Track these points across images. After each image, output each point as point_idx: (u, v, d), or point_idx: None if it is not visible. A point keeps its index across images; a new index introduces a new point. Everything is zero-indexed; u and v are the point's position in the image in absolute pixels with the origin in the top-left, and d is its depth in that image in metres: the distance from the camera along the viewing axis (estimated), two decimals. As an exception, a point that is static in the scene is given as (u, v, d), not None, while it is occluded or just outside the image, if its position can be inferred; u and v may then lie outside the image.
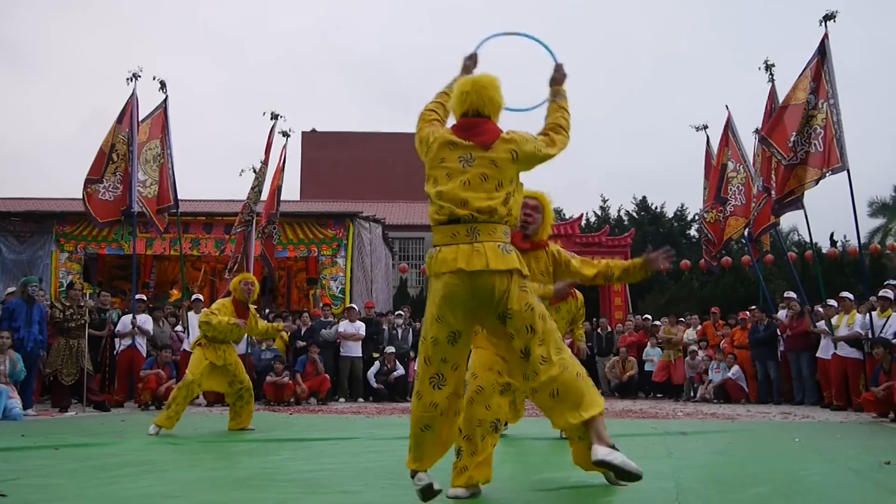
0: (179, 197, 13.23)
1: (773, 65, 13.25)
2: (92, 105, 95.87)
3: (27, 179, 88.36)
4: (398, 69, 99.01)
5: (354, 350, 13.66)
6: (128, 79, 12.66)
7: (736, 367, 13.08)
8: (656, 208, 31.51)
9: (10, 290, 13.07)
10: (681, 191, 75.67)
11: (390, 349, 13.81)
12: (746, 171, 13.92)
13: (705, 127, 15.40)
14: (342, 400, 13.31)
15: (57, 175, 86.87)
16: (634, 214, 31.38)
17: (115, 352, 12.21)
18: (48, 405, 11.03)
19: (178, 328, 13.20)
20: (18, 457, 5.95)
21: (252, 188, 13.35)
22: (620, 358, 14.94)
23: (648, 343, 15.16)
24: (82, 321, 10.81)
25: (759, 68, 13.31)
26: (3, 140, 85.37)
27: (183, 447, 6.80)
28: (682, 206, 32.02)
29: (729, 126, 14.40)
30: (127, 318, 12.25)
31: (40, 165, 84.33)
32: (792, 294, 13.57)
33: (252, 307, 8.23)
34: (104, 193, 12.38)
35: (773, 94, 13.10)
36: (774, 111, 12.34)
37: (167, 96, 13.11)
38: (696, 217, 28.08)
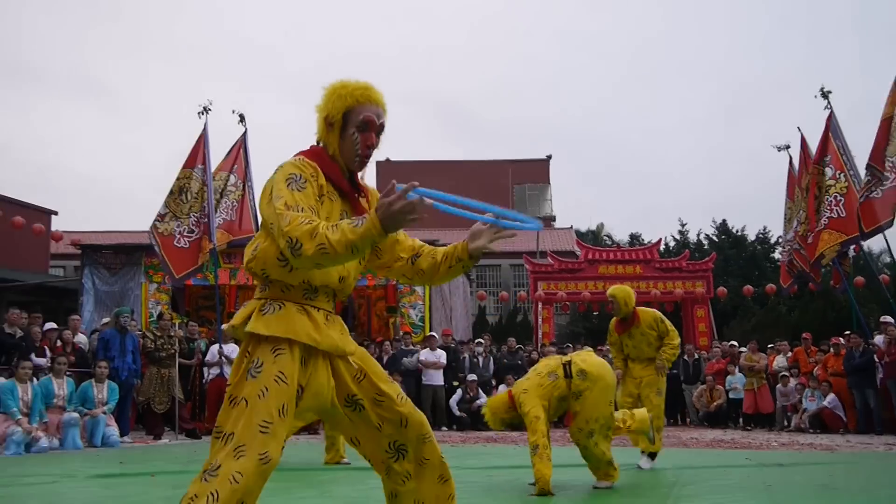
0: (260, 228, 13.47)
1: (829, 92, 13.39)
2: (176, 140, 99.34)
3: (116, 213, 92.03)
4: (470, 99, 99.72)
5: (436, 378, 13.66)
6: (199, 112, 12.71)
7: (832, 396, 12.56)
8: (737, 231, 30.73)
9: (104, 321, 13.55)
10: (762, 213, 73.93)
11: (472, 377, 13.76)
12: (849, 180, 13.07)
13: (787, 147, 15.07)
14: (424, 428, 13.27)
15: (144, 208, 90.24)
16: (714, 238, 30.67)
17: (203, 380, 12.48)
18: (142, 433, 11.34)
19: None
20: (118, 483, 6.13)
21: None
22: (707, 386, 14.53)
23: (732, 370, 14.71)
24: (172, 350, 11.11)
25: (816, 96, 13.37)
26: (92, 176, 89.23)
27: (273, 475, 6.85)
28: (765, 228, 31.10)
29: (806, 146, 14.21)
30: (215, 348, 12.51)
31: (129, 200, 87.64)
32: (889, 318, 12.98)
33: None
34: (179, 240, 12.46)
35: (829, 121, 13.20)
36: (834, 135, 12.67)
37: (246, 129, 13.26)
38: (779, 240, 27.38)
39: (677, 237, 31.55)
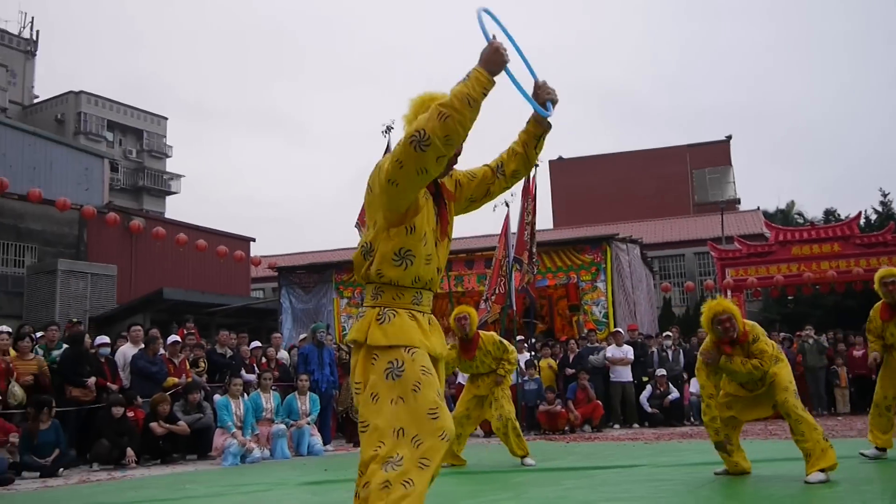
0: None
1: None
2: (357, 164, 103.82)
3: (306, 235, 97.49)
4: (640, 88, 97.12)
5: (624, 375, 13.41)
6: (383, 131, 13.21)
7: None
8: (951, 196, 27.95)
9: (302, 336, 14.38)
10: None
11: (661, 372, 13.39)
12: None
13: None
14: (616, 426, 13.08)
15: (331, 229, 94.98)
16: (924, 205, 28.07)
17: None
18: (343, 440, 11.92)
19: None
20: (326, 489, 6.49)
21: (528, 223, 13.42)
22: (875, 356, 13.30)
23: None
24: (366, 361, 11.58)
25: None
26: (280, 203, 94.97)
27: (466, 477, 7.01)
28: None
29: None
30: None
31: (316, 222, 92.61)
32: None
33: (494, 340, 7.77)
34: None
35: None
36: None
37: (389, 141, 13.40)
38: None
39: (879, 209, 29.11)
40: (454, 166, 3.05)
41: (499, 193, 3.22)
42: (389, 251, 2.85)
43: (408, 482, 2.60)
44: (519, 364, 13.03)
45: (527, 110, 3.07)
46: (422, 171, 2.68)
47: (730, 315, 5.59)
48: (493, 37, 2.78)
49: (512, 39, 2.99)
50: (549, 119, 3.07)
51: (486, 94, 2.67)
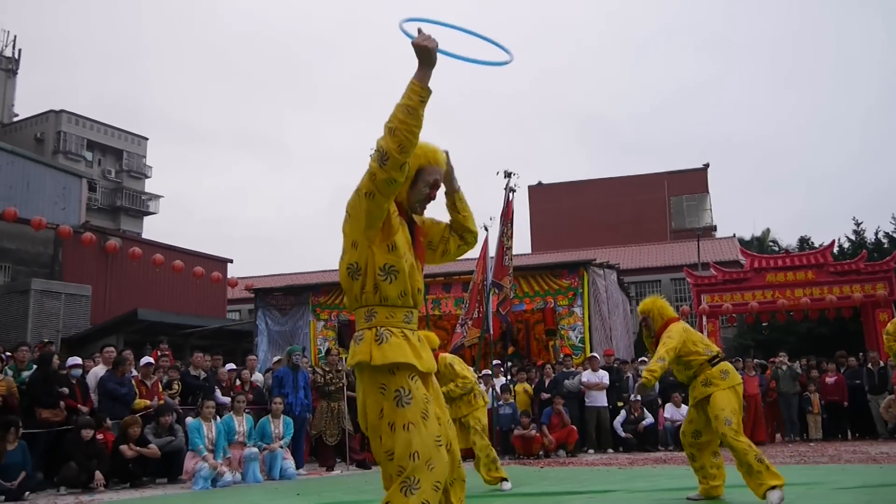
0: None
1: None
2: (336, 184, 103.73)
3: (284, 257, 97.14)
4: (620, 116, 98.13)
5: (599, 400, 13.44)
6: (370, 154, 13.36)
7: None
8: (921, 226, 28.33)
9: (276, 359, 14.29)
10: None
11: (636, 397, 13.43)
12: None
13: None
14: (591, 451, 13.08)
15: (309, 251, 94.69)
16: (895, 235, 28.44)
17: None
18: (316, 465, 11.82)
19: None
20: (296, 514, 6.42)
21: (507, 247, 13.49)
22: (896, 396, 13.44)
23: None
24: (341, 384, 11.54)
25: None
26: (261, 225, 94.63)
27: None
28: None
29: None
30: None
31: (294, 244, 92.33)
32: None
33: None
34: None
35: None
36: None
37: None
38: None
39: (852, 238, 29.50)
40: (428, 203, 3.34)
41: (455, 253, 3.50)
42: (377, 266, 3.09)
43: (426, 502, 2.91)
44: (494, 388, 13.06)
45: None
46: (390, 181, 2.98)
47: (644, 315, 6.05)
48: (418, 31, 2.98)
49: (439, 22, 3.18)
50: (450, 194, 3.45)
51: (423, 101, 2.96)
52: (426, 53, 2.96)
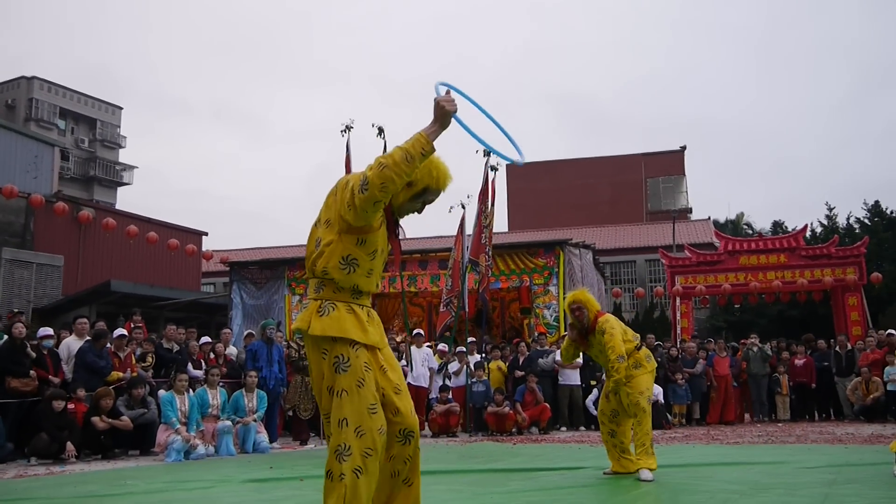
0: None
1: None
2: (315, 163, 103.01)
3: (260, 231, 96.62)
4: (599, 95, 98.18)
5: (572, 378, 13.55)
6: (342, 131, 13.18)
7: None
8: (892, 213, 28.73)
9: (246, 332, 14.21)
10: (920, 191, 68.83)
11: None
12: None
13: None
14: (563, 429, 13.21)
15: (285, 225, 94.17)
16: (867, 221, 28.82)
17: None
18: (289, 438, 11.85)
19: (402, 363, 13.70)
20: (269, 487, 6.44)
21: (485, 226, 13.49)
22: (863, 378, 13.68)
23: (891, 360, 13.75)
24: (316, 359, 11.52)
25: None
26: (238, 198, 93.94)
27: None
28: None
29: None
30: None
31: (271, 218, 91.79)
32: None
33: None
34: None
35: None
36: None
37: (386, 143, 13.31)
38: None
39: (825, 223, 29.88)
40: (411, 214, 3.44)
41: None
42: (338, 254, 3.17)
43: (358, 469, 3.02)
44: (469, 365, 13.14)
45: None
46: (363, 211, 3.05)
47: (580, 304, 6.28)
48: (447, 93, 3.15)
49: (471, 100, 3.36)
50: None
51: (424, 155, 3.04)
52: (443, 113, 3.07)
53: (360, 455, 3.03)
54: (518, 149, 3.37)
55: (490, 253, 13.84)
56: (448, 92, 3.16)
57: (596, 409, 13.14)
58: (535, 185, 43.47)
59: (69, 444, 8.86)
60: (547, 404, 12.83)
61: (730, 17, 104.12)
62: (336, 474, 3.03)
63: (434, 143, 3.08)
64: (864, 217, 29.19)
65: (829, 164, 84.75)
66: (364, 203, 3.01)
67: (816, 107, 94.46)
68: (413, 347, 12.91)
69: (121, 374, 10.31)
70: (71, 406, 9.29)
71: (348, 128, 13.09)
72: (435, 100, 3.09)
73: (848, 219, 29.82)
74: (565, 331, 15.45)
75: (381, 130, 12.76)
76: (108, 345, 10.66)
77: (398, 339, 14.92)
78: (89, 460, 9.10)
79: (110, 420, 9.35)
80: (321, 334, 3.14)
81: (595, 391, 13.51)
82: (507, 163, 3.17)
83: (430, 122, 3.10)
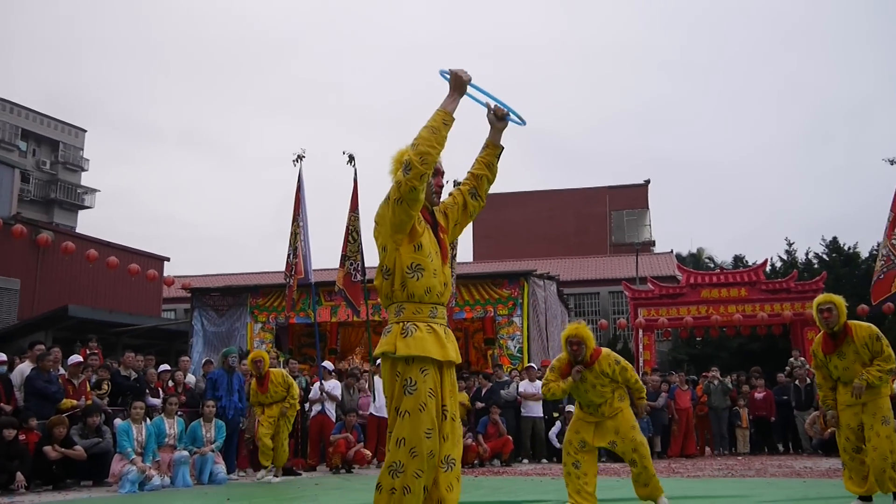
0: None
1: None
2: (281, 192, 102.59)
3: (223, 259, 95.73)
4: (565, 130, 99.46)
5: (535, 410, 13.52)
6: (293, 160, 12.86)
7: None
8: (849, 249, 29.29)
9: (205, 360, 13.94)
10: (875, 229, 70.56)
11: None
12: None
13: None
14: (525, 461, 13.15)
15: (249, 253, 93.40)
16: (825, 257, 29.34)
17: (306, 417, 12.66)
18: (250, 469, 11.61)
19: (365, 392, 13.53)
20: (225, 520, 6.30)
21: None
22: (821, 412, 13.84)
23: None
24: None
25: None
26: (203, 224, 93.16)
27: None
28: (878, 244, 29.51)
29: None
30: (317, 385, 12.66)
31: (235, 246, 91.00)
32: None
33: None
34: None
35: None
36: None
37: (356, 170, 13.00)
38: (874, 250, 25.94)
39: (784, 257, 30.37)
40: (440, 196, 3.83)
41: (475, 213, 3.96)
42: (404, 266, 3.52)
43: (407, 488, 3.31)
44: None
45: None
46: (412, 188, 3.39)
47: (580, 340, 6.12)
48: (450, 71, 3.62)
49: (477, 87, 3.76)
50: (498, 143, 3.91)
51: (446, 124, 3.51)
52: (460, 83, 3.58)
53: (412, 475, 3.32)
54: (518, 115, 3.88)
55: (454, 282, 13.77)
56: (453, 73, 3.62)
57: (559, 441, 13.21)
58: (501, 216, 43.63)
59: (19, 473, 8.59)
60: (510, 437, 12.77)
61: (696, 55, 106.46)
62: (386, 488, 3.35)
63: (453, 112, 3.55)
64: (822, 252, 29.71)
65: (788, 200, 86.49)
66: (412, 180, 3.37)
67: (776, 144, 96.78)
68: (376, 377, 12.78)
69: (74, 402, 10.06)
70: (22, 436, 9.03)
71: (300, 157, 12.87)
72: (451, 71, 3.58)
73: (807, 254, 30.31)
74: (529, 361, 15.47)
75: (351, 158, 12.65)
76: (62, 371, 10.41)
77: (362, 368, 14.76)
78: (40, 491, 8.84)
79: (63, 449, 9.11)
80: (406, 354, 3.43)
81: (558, 423, 13.50)
82: (517, 124, 3.93)
83: (447, 95, 3.58)
